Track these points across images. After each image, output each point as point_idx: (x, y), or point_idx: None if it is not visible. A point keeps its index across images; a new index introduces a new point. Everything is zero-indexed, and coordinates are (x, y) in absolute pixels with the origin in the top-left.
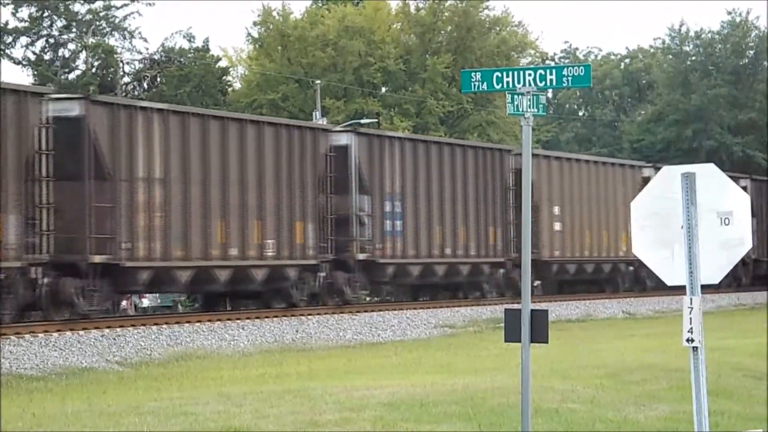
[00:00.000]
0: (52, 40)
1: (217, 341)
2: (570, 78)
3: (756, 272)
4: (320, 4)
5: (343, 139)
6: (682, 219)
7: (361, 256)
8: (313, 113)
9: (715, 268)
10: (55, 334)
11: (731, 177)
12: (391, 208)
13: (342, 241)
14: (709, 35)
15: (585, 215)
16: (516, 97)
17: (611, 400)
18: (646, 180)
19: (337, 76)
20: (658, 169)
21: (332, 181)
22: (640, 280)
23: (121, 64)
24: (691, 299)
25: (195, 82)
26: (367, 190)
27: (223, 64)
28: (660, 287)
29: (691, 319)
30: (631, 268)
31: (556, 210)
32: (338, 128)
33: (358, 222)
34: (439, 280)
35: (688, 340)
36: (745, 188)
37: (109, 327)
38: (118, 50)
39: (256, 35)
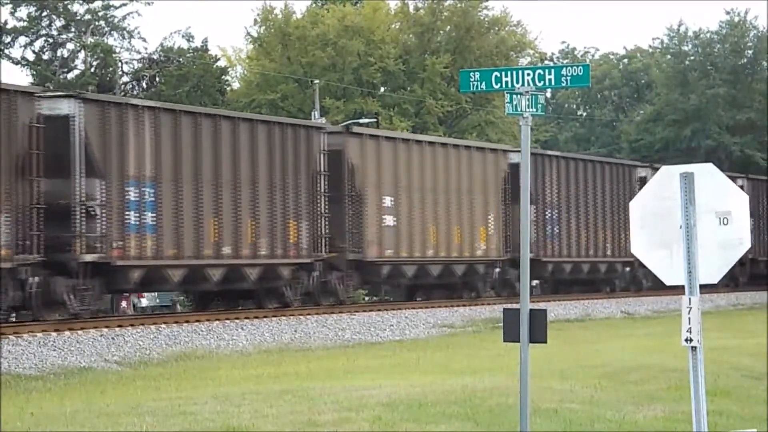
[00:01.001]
0: (50, 40)
1: (216, 341)
2: (569, 78)
3: (753, 272)
4: (320, 4)
5: (63, 108)
6: (681, 219)
7: (89, 258)
8: (312, 113)
9: (713, 268)
10: (54, 334)
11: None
12: (138, 196)
13: (61, 239)
14: (708, 35)
15: (429, 208)
16: (515, 96)
17: (610, 400)
18: (513, 166)
19: (337, 75)
20: (533, 154)
21: (41, 159)
22: (507, 285)
23: (119, 64)
24: (689, 299)
25: (194, 82)
26: (99, 173)
27: (221, 63)
28: (534, 293)
29: (689, 318)
30: (497, 269)
31: (388, 201)
32: (55, 93)
33: (85, 213)
34: (214, 286)
35: (686, 340)
36: (741, 187)
37: (107, 327)
38: (117, 50)
39: (255, 34)
